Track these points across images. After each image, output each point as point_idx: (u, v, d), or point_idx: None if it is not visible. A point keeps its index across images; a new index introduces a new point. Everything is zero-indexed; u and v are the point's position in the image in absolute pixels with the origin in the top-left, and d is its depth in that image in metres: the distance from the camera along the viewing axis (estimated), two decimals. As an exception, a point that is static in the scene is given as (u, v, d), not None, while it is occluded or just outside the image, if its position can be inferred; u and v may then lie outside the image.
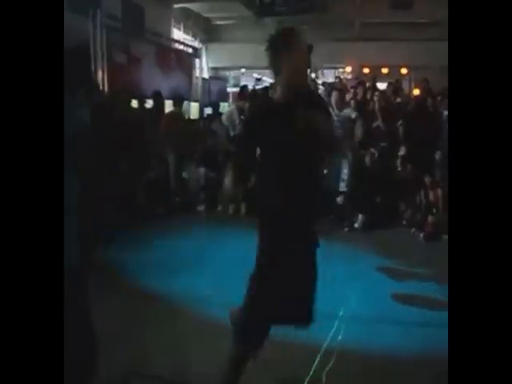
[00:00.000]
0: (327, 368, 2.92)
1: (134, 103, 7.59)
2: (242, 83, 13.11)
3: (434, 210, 6.01)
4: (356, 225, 6.14)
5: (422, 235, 5.81)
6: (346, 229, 6.12)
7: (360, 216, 6.17)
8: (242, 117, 7.56)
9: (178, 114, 7.51)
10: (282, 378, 2.85)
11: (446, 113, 7.30)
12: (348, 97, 7.92)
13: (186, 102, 10.53)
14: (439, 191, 6.01)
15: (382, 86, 10.36)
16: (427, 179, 6.14)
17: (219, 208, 6.70)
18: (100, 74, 8.29)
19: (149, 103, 7.73)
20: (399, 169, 6.59)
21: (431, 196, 6.09)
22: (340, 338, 3.30)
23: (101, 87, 8.09)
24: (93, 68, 7.51)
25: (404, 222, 6.20)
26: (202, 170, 6.88)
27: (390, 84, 8.64)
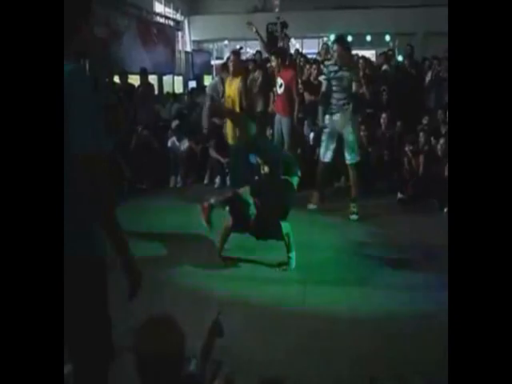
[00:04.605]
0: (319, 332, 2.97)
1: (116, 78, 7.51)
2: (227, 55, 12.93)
3: (415, 176, 6.05)
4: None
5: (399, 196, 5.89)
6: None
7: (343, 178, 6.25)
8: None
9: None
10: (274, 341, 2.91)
11: (428, 78, 7.33)
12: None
13: (169, 76, 10.45)
14: (421, 157, 6.04)
15: (366, 53, 10.35)
16: (410, 147, 6.13)
17: (205, 181, 6.69)
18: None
19: (131, 78, 7.64)
20: (384, 135, 6.62)
21: (414, 162, 6.11)
22: (329, 301, 3.37)
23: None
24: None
25: (389, 187, 6.23)
26: (186, 142, 6.83)
27: (383, 53, 8.73)
